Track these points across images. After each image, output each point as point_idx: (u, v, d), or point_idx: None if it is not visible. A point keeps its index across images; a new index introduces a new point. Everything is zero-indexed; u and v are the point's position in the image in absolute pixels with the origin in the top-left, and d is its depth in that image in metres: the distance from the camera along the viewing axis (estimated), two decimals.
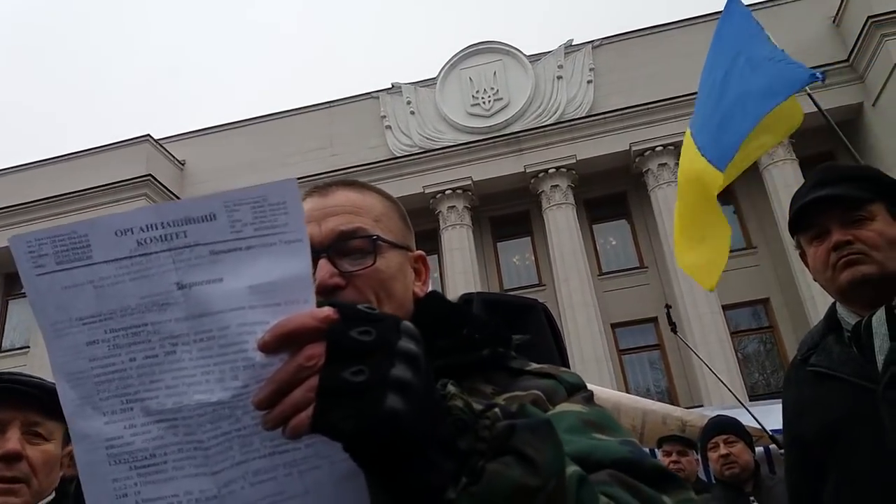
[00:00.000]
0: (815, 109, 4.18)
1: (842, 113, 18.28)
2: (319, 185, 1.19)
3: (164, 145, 22.00)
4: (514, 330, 1.17)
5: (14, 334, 21.29)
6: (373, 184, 1.23)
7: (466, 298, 1.31)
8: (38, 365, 18.02)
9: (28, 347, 19.99)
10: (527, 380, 1.05)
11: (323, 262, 1.06)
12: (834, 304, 2.03)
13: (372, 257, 1.09)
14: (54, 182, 21.02)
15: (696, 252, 4.45)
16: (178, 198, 20.46)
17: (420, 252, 1.23)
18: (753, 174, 18.24)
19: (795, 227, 2.05)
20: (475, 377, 1.05)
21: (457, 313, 1.12)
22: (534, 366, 1.09)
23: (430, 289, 1.20)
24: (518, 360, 1.10)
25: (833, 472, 1.87)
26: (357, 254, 1.09)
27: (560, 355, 1.39)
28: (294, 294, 0.73)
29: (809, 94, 4.16)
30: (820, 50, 19.07)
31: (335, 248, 1.08)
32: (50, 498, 1.53)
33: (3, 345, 21.08)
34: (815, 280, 2.03)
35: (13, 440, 1.46)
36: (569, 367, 1.21)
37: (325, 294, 1.03)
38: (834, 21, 19.93)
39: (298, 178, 0.83)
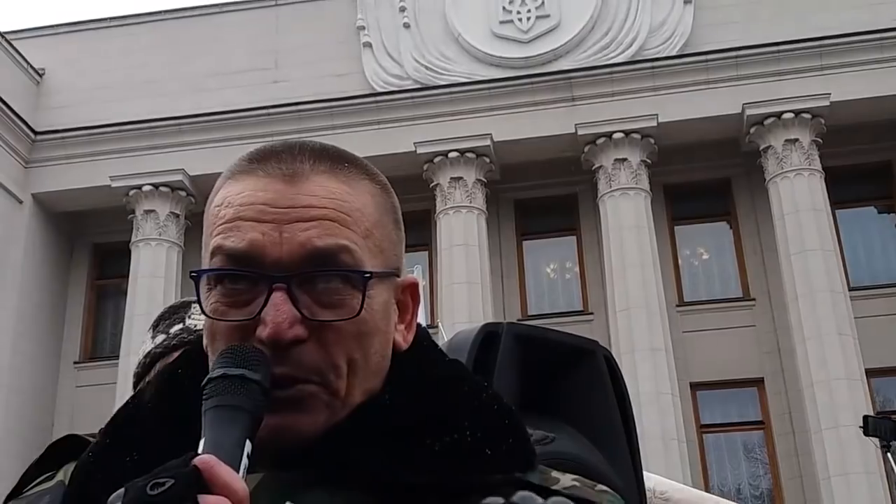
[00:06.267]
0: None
1: None
2: (282, 147, 0.87)
3: (12, 42, 17.60)
4: (556, 388, 1.10)
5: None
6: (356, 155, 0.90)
7: (489, 331, 1.16)
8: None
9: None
10: None
11: (279, 298, 0.80)
12: None
13: (359, 302, 0.82)
14: None
15: None
16: (25, 123, 16.93)
17: (413, 278, 0.94)
18: None
19: None
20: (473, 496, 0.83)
21: (456, 394, 0.87)
22: (566, 480, 0.85)
23: (415, 330, 0.94)
24: (537, 472, 0.86)
25: None
26: (333, 291, 0.82)
27: (627, 434, 1.17)
28: None
29: None
30: None
31: (302, 276, 0.81)
32: None
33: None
34: None
35: None
36: (637, 456, 1.15)
37: (277, 349, 0.80)
38: None
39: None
